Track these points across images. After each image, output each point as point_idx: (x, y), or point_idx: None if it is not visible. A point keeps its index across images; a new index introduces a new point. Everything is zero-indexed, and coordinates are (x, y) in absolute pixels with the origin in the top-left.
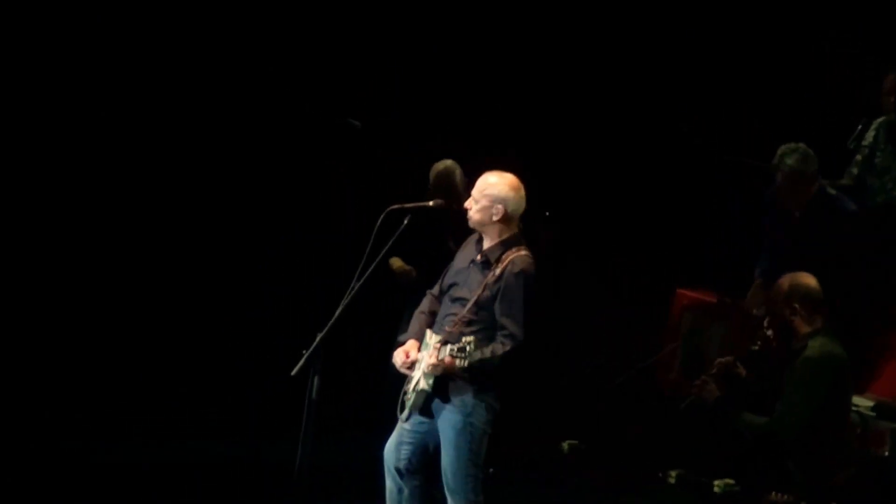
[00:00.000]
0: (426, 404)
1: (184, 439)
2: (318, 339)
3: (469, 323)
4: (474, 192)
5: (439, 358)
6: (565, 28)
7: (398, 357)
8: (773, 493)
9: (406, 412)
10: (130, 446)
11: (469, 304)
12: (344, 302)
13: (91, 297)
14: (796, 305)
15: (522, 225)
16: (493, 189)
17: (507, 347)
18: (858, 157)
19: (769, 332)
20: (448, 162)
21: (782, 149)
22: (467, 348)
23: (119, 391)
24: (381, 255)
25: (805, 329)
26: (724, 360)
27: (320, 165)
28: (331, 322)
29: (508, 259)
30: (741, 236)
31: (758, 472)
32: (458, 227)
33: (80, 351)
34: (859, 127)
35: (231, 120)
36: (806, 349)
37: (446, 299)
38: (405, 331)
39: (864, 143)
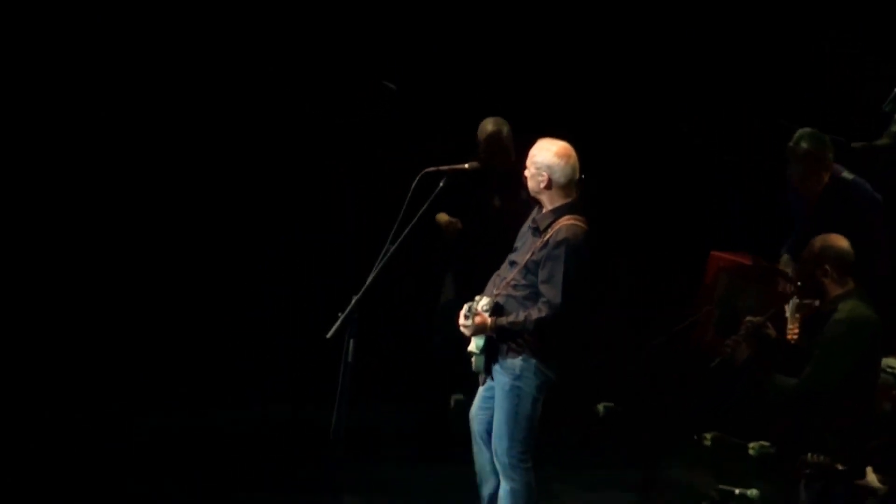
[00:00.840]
0: (487, 368)
1: (221, 405)
2: (353, 301)
3: (516, 286)
4: (528, 160)
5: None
6: (566, 26)
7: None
8: (809, 454)
9: (480, 377)
10: (170, 413)
11: (517, 268)
12: (379, 264)
13: (123, 265)
14: (827, 267)
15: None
16: (540, 157)
17: (543, 314)
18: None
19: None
20: (494, 120)
21: (798, 133)
22: (478, 306)
23: (159, 359)
24: (417, 217)
25: (836, 291)
26: (754, 319)
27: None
28: (366, 284)
29: (556, 227)
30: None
31: (792, 434)
32: (506, 186)
33: (116, 317)
34: (895, 90)
35: (231, 116)
36: (836, 312)
37: (506, 262)
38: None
39: None
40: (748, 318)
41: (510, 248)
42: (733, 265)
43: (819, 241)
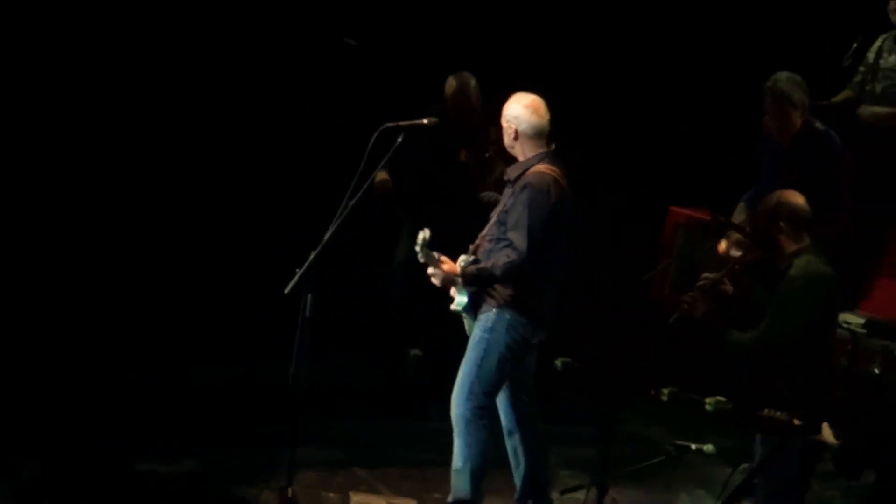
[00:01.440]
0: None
1: (180, 360)
2: (311, 257)
3: (492, 240)
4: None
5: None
6: (559, 18)
7: None
8: (766, 409)
9: None
10: (129, 369)
11: (491, 222)
12: (337, 220)
13: (89, 228)
14: (782, 223)
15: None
16: (509, 109)
17: (509, 259)
18: (862, 68)
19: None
20: (460, 75)
21: (775, 76)
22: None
23: (119, 315)
24: (375, 173)
25: (791, 247)
26: (710, 275)
27: None
28: (324, 240)
29: (525, 175)
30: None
31: (748, 390)
32: (472, 140)
33: (77, 279)
34: (854, 45)
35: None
36: (791, 268)
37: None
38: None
39: (867, 57)
40: (705, 274)
41: (475, 201)
42: (691, 220)
43: (774, 197)
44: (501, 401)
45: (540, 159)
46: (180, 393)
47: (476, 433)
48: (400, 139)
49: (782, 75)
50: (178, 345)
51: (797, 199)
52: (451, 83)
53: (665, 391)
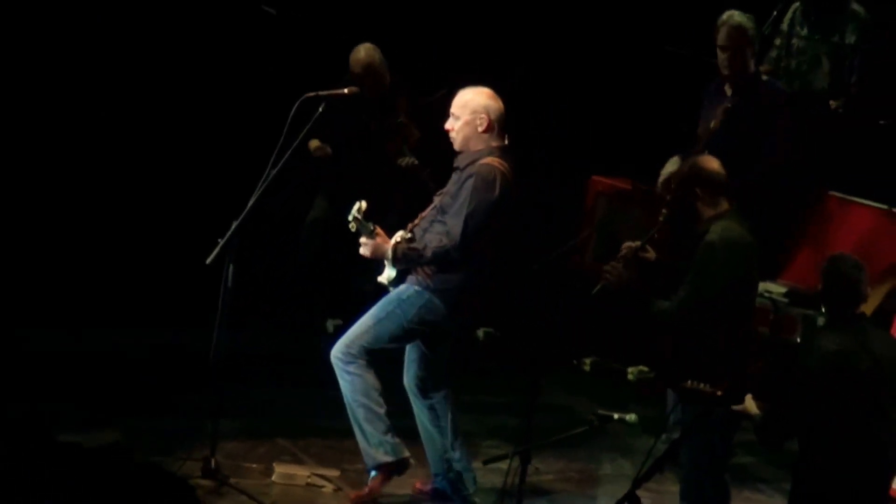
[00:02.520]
0: None
1: (101, 329)
2: (233, 227)
3: (432, 222)
4: (454, 110)
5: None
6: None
7: None
8: (689, 381)
9: None
10: (48, 338)
11: (433, 205)
12: (259, 189)
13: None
14: (698, 190)
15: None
16: (476, 100)
17: (441, 244)
18: (777, 41)
19: (666, 216)
20: (366, 47)
21: (729, 13)
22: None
23: (38, 281)
24: (297, 142)
25: (709, 213)
26: (631, 244)
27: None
28: (246, 210)
29: (472, 165)
30: (659, 123)
31: (670, 359)
32: (381, 110)
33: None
34: (774, 13)
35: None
36: (708, 233)
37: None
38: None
39: (782, 26)
40: (626, 243)
41: (384, 169)
42: (612, 189)
43: (687, 164)
44: (410, 383)
45: (490, 152)
46: (100, 361)
47: (356, 371)
48: (321, 108)
49: (736, 12)
50: (97, 313)
51: (712, 163)
52: (358, 56)
53: (587, 361)
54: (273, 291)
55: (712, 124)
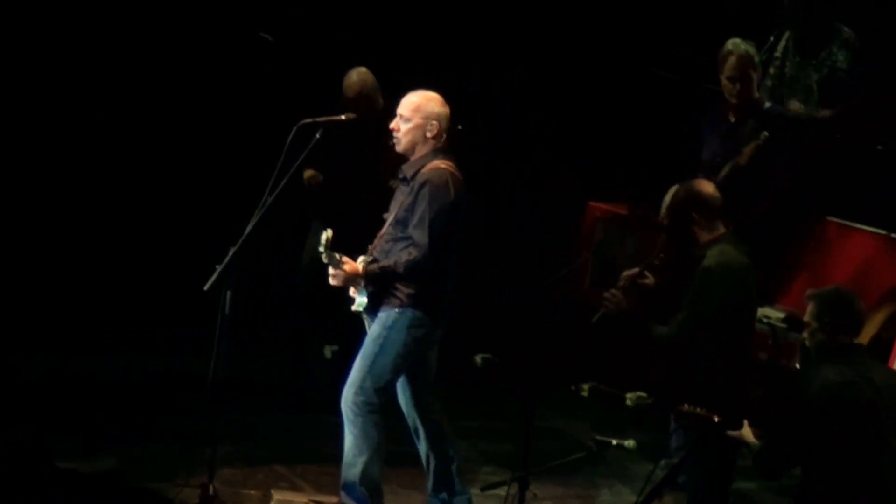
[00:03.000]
0: None
1: (98, 354)
2: (230, 253)
3: (390, 240)
4: (403, 111)
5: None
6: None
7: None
8: (685, 405)
9: None
10: (45, 363)
11: (388, 222)
12: (256, 216)
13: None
14: (694, 214)
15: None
16: (428, 107)
17: (411, 256)
18: (771, 70)
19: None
20: (358, 72)
21: (733, 40)
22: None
23: (36, 306)
24: (294, 169)
25: (706, 237)
26: (630, 272)
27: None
28: (243, 237)
29: (422, 172)
30: (656, 149)
31: (668, 385)
32: (376, 135)
33: None
34: (771, 38)
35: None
36: (705, 258)
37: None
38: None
39: (776, 53)
40: (625, 273)
41: (382, 195)
42: (608, 214)
43: (683, 188)
44: (403, 400)
45: (434, 155)
46: (97, 388)
47: (365, 428)
48: (318, 135)
49: (740, 40)
50: (94, 338)
51: (707, 187)
52: (350, 80)
53: (585, 386)
54: (270, 317)
55: (741, 161)
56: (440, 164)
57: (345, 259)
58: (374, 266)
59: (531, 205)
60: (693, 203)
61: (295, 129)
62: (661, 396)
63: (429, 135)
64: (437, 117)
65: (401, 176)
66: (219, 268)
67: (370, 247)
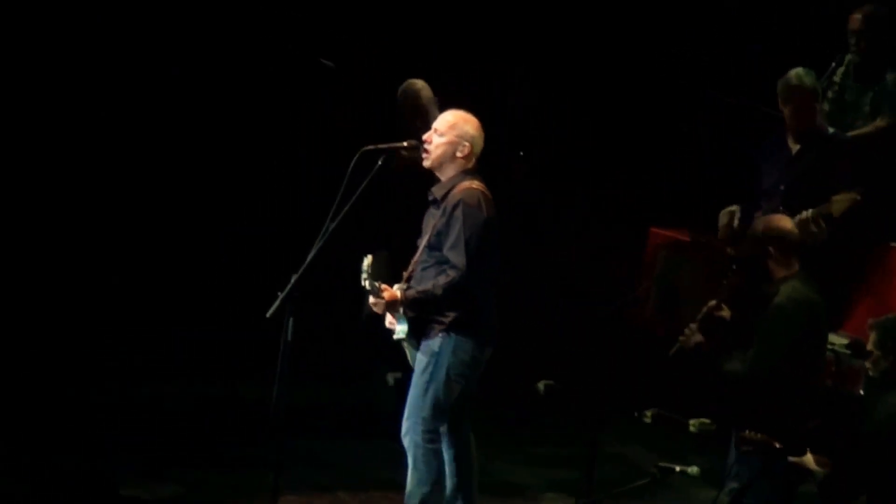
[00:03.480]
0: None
1: (160, 381)
2: (293, 280)
3: (425, 267)
4: (439, 126)
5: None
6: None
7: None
8: (748, 431)
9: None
10: (106, 389)
11: (422, 247)
12: (318, 243)
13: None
14: (771, 248)
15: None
16: (463, 127)
17: (450, 278)
18: (830, 95)
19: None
20: (421, 86)
21: (795, 71)
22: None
23: (94, 333)
24: (356, 195)
25: (780, 273)
26: (710, 304)
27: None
28: (306, 263)
29: (453, 193)
30: (716, 174)
31: (732, 412)
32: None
33: (56, 296)
34: (832, 65)
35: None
36: (777, 294)
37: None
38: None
39: (836, 79)
40: (708, 304)
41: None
42: (670, 241)
43: (762, 222)
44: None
45: (464, 176)
46: (161, 414)
47: (426, 458)
48: (380, 162)
49: (801, 69)
50: (158, 365)
51: (785, 223)
52: (410, 91)
53: (648, 413)
54: (333, 344)
55: (833, 211)
56: (471, 184)
57: (383, 287)
58: (412, 291)
59: (594, 231)
60: (772, 238)
61: (357, 155)
62: (725, 423)
63: (459, 154)
64: (471, 139)
65: (430, 198)
66: (281, 294)
67: (405, 273)
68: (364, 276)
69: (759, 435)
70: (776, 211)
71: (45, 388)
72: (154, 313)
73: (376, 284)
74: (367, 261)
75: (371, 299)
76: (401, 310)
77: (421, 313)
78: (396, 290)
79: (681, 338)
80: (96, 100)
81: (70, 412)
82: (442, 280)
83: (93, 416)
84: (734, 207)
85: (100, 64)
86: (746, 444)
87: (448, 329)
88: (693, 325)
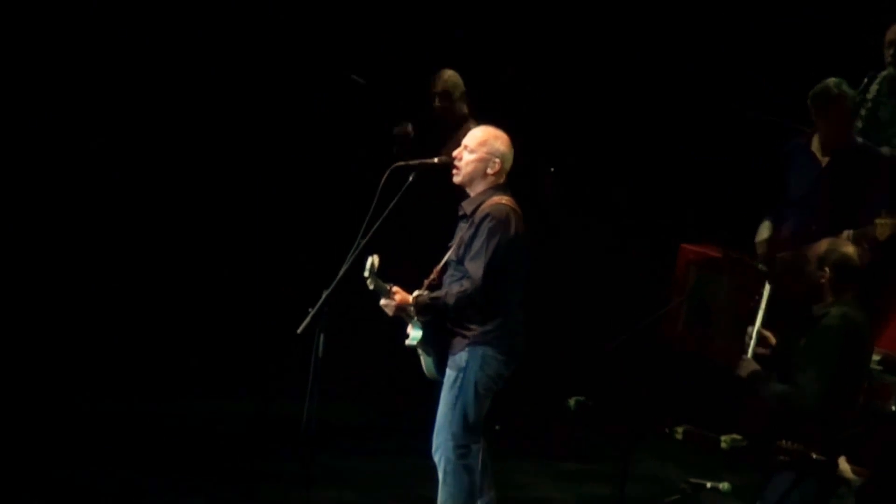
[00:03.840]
0: (440, 370)
1: (190, 398)
2: (323, 296)
3: (455, 281)
4: (469, 143)
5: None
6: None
7: None
8: (784, 441)
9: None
10: (137, 405)
11: (445, 258)
12: (349, 259)
13: (96, 255)
14: (827, 269)
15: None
16: (494, 144)
17: (463, 288)
18: (863, 111)
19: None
20: (451, 73)
21: (833, 80)
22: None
23: (124, 350)
24: (387, 211)
25: (831, 297)
26: (762, 331)
27: (323, 122)
28: (336, 279)
29: (482, 207)
30: (746, 191)
31: (765, 426)
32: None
33: (87, 311)
34: (865, 80)
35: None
36: (826, 317)
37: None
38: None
39: (869, 96)
40: (749, 327)
41: None
42: (702, 257)
43: (825, 242)
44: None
45: (494, 192)
46: (191, 431)
47: (461, 476)
48: (411, 178)
49: (840, 82)
50: (187, 382)
51: (848, 249)
52: (441, 80)
53: (679, 429)
54: (364, 361)
55: (879, 235)
56: (501, 199)
57: (395, 289)
58: (424, 297)
59: (623, 247)
60: (831, 260)
61: (388, 171)
62: (758, 438)
63: (489, 171)
64: (502, 156)
65: (460, 213)
66: (312, 311)
67: (426, 280)
68: (367, 275)
69: (796, 445)
70: (806, 224)
71: (73, 403)
72: (184, 329)
73: (386, 286)
74: (372, 260)
75: (382, 300)
76: (413, 314)
77: (431, 318)
78: (414, 294)
79: (733, 367)
80: (121, 111)
81: (98, 427)
82: (455, 289)
83: (120, 434)
84: (767, 223)
85: (127, 74)
86: (782, 454)
87: (474, 343)
88: (747, 357)
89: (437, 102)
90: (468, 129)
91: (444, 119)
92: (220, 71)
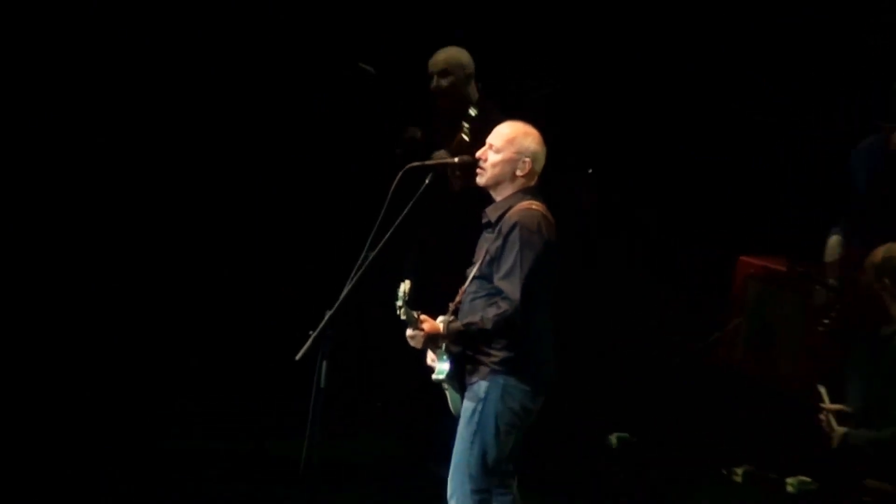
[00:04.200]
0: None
1: (186, 430)
2: (326, 317)
3: (475, 297)
4: (495, 141)
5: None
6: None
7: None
8: (871, 480)
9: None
10: (134, 438)
11: (471, 276)
12: (355, 274)
13: (84, 289)
14: (887, 280)
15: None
16: (524, 142)
17: (501, 310)
18: None
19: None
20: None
21: None
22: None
23: (119, 383)
24: (399, 220)
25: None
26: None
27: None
28: (341, 298)
29: (509, 214)
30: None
31: (838, 465)
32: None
33: (80, 344)
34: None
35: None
36: None
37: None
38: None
39: None
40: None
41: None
42: (764, 271)
43: (881, 249)
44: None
45: (523, 196)
46: (189, 468)
47: None
48: (427, 181)
49: None
50: (182, 417)
51: None
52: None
53: (739, 470)
54: (371, 392)
55: None
56: (530, 204)
57: (423, 317)
58: (456, 324)
59: (674, 260)
60: (889, 268)
61: (402, 172)
62: (831, 479)
63: (519, 172)
64: (532, 155)
65: (484, 220)
66: (313, 334)
67: (451, 304)
68: (399, 304)
69: (885, 484)
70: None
71: (69, 439)
72: (179, 359)
73: (414, 314)
74: (404, 287)
75: (409, 331)
76: (443, 345)
77: (466, 351)
78: (439, 323)
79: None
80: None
81: (97, 463)
82: (492, 312)
83: (123, 468)
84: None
85: (133, 80)
86: (871, 494)
87: (495, 371)
88: (838, 430)
89: (434, 83)
90: (489, 119)
91: (446, 108)
92: (219, 71)
